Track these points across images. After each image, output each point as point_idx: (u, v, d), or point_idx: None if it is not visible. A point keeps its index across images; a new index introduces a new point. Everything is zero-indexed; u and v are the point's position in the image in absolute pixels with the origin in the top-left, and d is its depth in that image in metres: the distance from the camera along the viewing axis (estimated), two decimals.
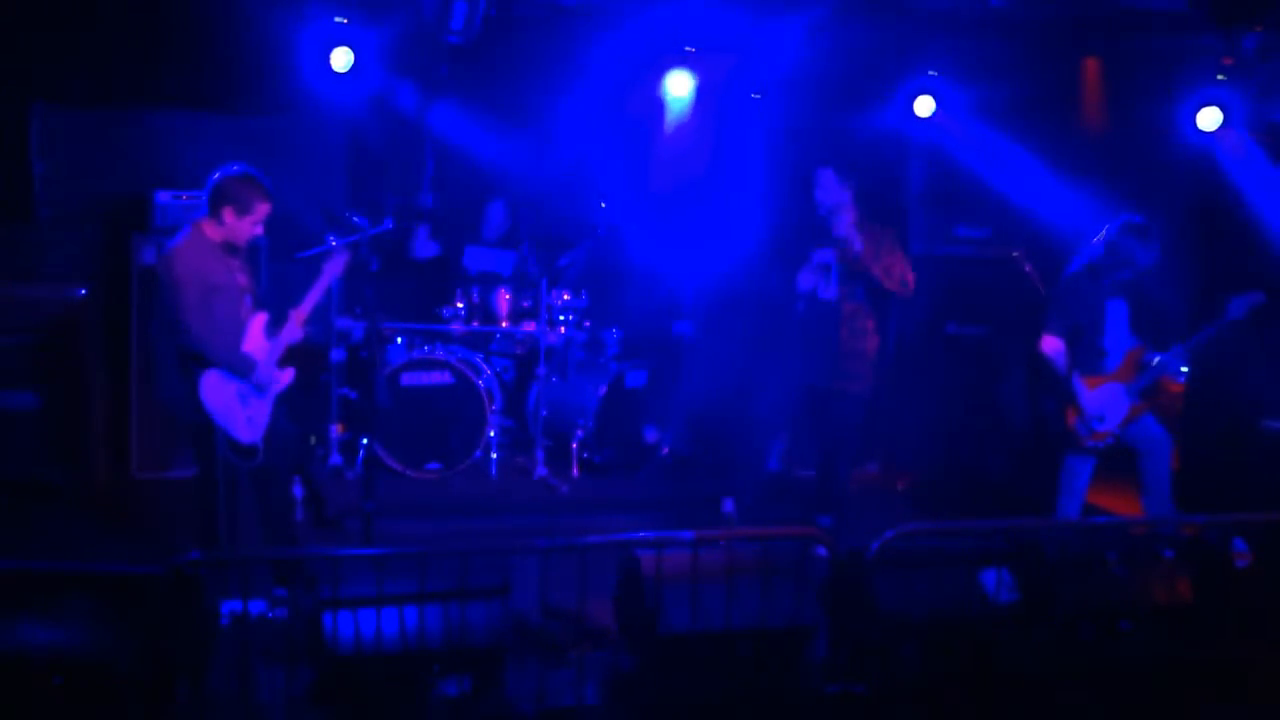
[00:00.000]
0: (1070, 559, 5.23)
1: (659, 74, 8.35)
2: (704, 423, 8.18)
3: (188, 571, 4.28)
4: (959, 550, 5.24)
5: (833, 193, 6.62)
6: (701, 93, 8.42)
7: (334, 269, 5.89)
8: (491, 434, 7.85)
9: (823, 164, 6.66)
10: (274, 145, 7.54)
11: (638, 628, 4.87)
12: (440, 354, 7.85)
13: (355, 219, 6.67)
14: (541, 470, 7.89)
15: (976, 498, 7.74)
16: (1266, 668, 5.10)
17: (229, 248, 5.58)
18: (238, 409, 5.49)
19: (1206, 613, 5.25)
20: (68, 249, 7.29)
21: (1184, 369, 7.56)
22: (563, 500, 7.66)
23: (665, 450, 8.28)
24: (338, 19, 7.29)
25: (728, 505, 7.27)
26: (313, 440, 7.82)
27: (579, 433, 8.05)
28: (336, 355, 7.77)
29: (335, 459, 7.73)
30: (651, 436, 8.26)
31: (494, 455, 7.91)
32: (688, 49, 8.14)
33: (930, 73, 8.34)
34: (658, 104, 8.50)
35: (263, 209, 5.53)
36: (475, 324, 8.12)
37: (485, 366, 8.09)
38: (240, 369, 5.47)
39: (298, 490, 6.89)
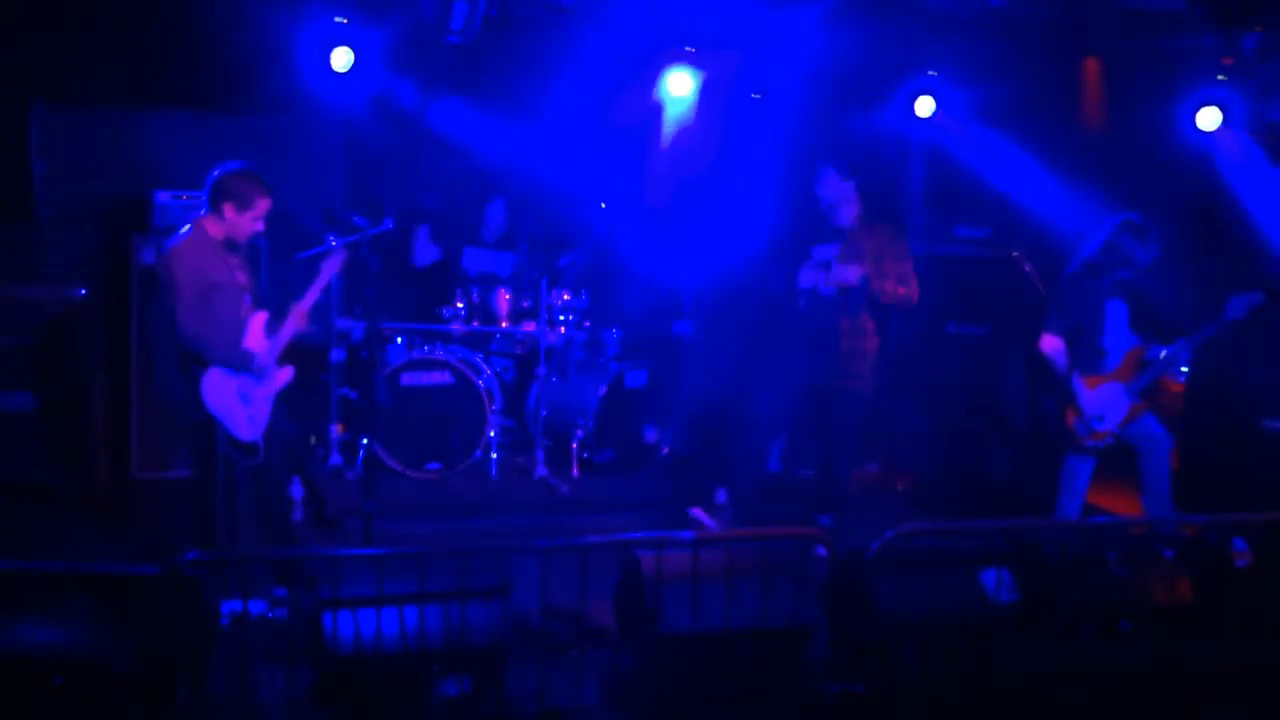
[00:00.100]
0: (1070, 559, 5.23)
1: (659, 74, 8.34)
2: (704, 423, 8.18)
3: (187, 571, 4.28)
4: (959, 550, 5.24)
5: (834, 189, 6.64)
6: (701, 93, 8.41)
7: (332, 267, 5.91)
8: (491, 434, 7.85)
9: (823, 161, 6.67)
10: (274, 145, 7.54)
11: (638, 628, 4.87)
12: (440, 354, 7.85)
13: (355, 219, 6.68)
14: (541, 470, 7.89)
15: (976, 498, 7.74)
16: (1266, 668, 5.09)
17: (229, 245, 5.59)
18: (239, 407, 5.50)
19: (1206, 613, 5.25)
20: (68, 249, 7.28)
21: (1184, 369, 7.56)
22: (563, 500, 7.66)
23: (665, 450, 8.28)
24: (338, 19, 7.29)
25: (720, 496, 7.28)
26: (313, 440, 7.82)
27: (579, 433, 8.05)
28: (336, 355, 7.77)
29: (335, 459, 7.73)
30: (651, 436, 8.26)
31: (494, 455, 7.91)
32: (687, 49, 8.14)
33: (930, 73, 8.34)
34: (658, 104, 8.50)
35: (263, 205, 5.55)
36: (475, 324, 8.12)
37: (485, 366, 8.09)
38: (239, 366, 5.48)
39: (298, 490, 6.90)
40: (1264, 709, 5.00)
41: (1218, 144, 7.89)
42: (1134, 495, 6.65)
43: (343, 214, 7.04)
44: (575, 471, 8.00)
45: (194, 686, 4.30)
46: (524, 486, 7.82)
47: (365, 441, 7.42)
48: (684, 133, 8.53)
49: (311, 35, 7.27)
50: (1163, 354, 6.53)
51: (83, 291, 7.12)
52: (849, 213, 6.65)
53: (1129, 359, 6.53)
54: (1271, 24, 7.40)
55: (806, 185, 6.75)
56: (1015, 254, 8.48)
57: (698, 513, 7.16)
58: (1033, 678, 4.96)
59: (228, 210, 5.49)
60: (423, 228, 8.40)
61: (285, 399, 5.79)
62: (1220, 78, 7.76)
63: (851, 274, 6.51)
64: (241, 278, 5.65)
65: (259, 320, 5.64)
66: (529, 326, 8.18)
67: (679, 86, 8.33)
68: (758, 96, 8.57)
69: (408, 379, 7.73)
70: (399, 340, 7.96)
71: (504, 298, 8.16)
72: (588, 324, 8.30)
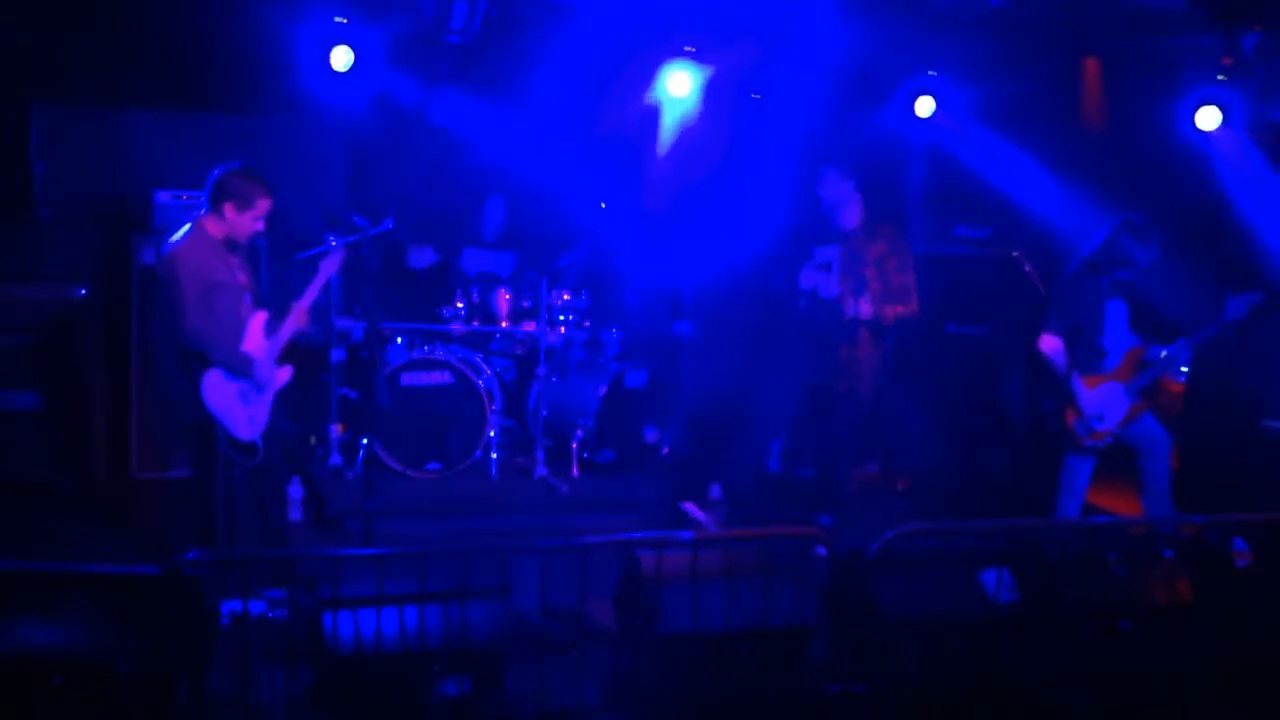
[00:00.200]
0: (1070, 559, 5.23)
1: (659, 74, 8.34)
2: (704, 423, 8.18)
3: (187, 571, 4.28)
4: (959, 550, 5.24)
5: (834, 190, 6.65)
6: (701, 92, 8.41)
7: (331, 267, 5.92)
8: (491, 434, 7.85)
9: (824, 162, 6.69)
10: (273, 145, 7.54)
11: (638, 628, 4.87)
12: (440, 354, 7.86)
13: (355, 219, 6.68)
14: (541, 470, 7.89)
15: (976, 498, 7.73)
16: (1267, 668, 5.09)
17: (230, 245, 5.59)
18: (239, 407, 5.50)
19: (1206, 613, 5.25)
20: (68, 249, 7.28)
21: (1184, 369, 7.56)
22: (563, 500, 7.66)
23: (665, 450, 8.28)
24: (337, 19, 7.29)
25: (715, 491, 7.28)
26: (313, 440, 7.82)
27: (579, 433, 8.05)
28: (336, 355, 7.77)
29: (335, 459, 7.73)
30: (651, 436, 8.26)
31: (494, 455, 7.91)
32: (687, 49, 8.14)
33: (930, 73, 8.34)
34: (657, 103, 8.49)
35: (264, 204, 5.56)
36: (475, 324, 8.13)
37: (485, 366, 8.10)
38: (239, 368, 5.47)
39: (298, 490, 6.89)
40: (1264, 709, 5.00)
41: (1216, 144, 7.90)
42: (1134, 495, 6.65)
43: (342, 214, 7.04)
44: (575, 471, 8.00)
45: (194, 686, 4.30)
46: (524, 486, 7.82)
47: (365, 441, 7.43)
48: (684, 133, 8.53)
49: (311, 35, 7.27)
50: (1162, 354, 6.54)
51: (83, 291, 7.12)
52: (851, 214, 6.66)
53: (1129, 359, 6.53)
54: (1271, 24, 7.40)
55: (806, 186, 6.76)
56: (1015, 254, 8.48)
57: (690, 507, 7.17)
58: (1033, 678, 4.96)
59: (228, 210, 5.49)
60: (417, 229, 8.37)
61: (285, 399, 5.79)
62: (1220, 78, 7.76)
63: (864, 310, 6.53)
64: (242, 277, 5.66)
65: (259, 320, 5.64)
66: (529, 326, 8.18)
67: (678, 86, 8.33)
68: (757, 97, 8.57)
69: (408, 379, 7.74)
70: (399, 340, 7.96)
71: (504, 298, 8.16)
72: (588, 324, 8.30)
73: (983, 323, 8.48)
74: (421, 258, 8.39)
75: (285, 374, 5.72)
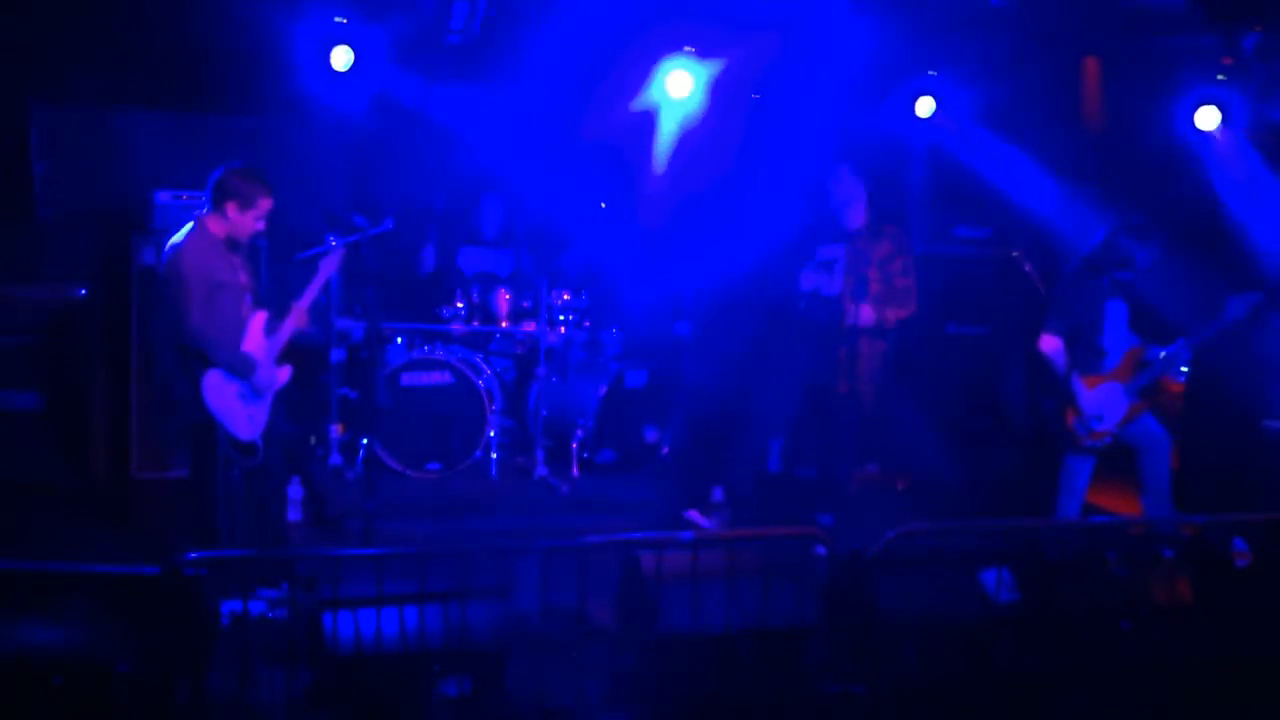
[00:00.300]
0: (1070, 559, 5.23)
1: (659, 73, 8.33)
2: (704, 423, 8.17)
3: (187, 571, 4.28)
4: (959, 550, 5.24)
5: (847, 188, 6.66)
6: (701, 93, 8.40)
7: (330, 267, 5.92)
8: (491, 434, 7.85)
9: (838, 160, 6.69)
10: (274, 145, 7.54)
11: (638, 628, 4.87)
12: (440, 354, 7.86)
13: (355, 219, 6.68)
14: (541, 470, 7.89)
15: (976, 498, 7.73)
16: (1267, 668, 5.09)
17: (231, 244, 5.60)
18: (239, 407, 5.50)
19: (1206, 613, 5.25)
20: (68, 249, 7.29)
21: (1184, 369, 7.56)
22: (563, 500, 7.66)
23: (665, 450, 8.28)
24: (337, 19, 7.29)
25: (717, 494, 7.28)
26: (313, 440, 7.82)
27: (579, 433, 8.05)
28: (336, 355, 7.77)
29: (335, 459, 7.73)
30: (651, 436, 8.27)
31: (494, 455, 7.91)
32: (687, 48, 8.14)
33: (930, 73, 8.34)
34: (657, 102, 8.49)
35: (265, 204, 5.56)
36: (475, 324, 8.13)
37: (485, 366, 8.10)
38: (240, 369, 5.47)
39: (297, 490, 6.89)
40: (1264, 709, 4.99)
41: (1216, 144, 7.90)
42: (1134, 495, 6.65)
43: (342, 214, 7.04)
44: (575, 471, 8.01)
45: (194, 686, 4.30)
46: (524, 486, 7.82)
47: (365, 441, 7.43)
48: (684, 132, 8.52)
49: (311, 35, 7.27)
50: (1161, 354, 6.53)
51: (83, 291, 7.12)
52: (858, 213, 6.66)
53: (1128, 359, 6.53)
54: (1271, 24, 7.40)
55: (808, 185, 6.75)
56: (1015, 254, 8.48)
57: (694, 515, 7.16)
58: (1033, 678, 4.96)
59: (230, 209, 5.50)
60: (431, 236, 8.36)
61: (285, 399, 5.79)
62: (1220, 78, 7.76)
63: (865, 313, 6.54)
64: (243, 277, 5.66)
65: (259, 320, 5.64)
66: (529, 326, 8.18)
67: (679, 86, 8.32)
68: (756, 97, 8.57)
69: (408, 379, 7.74)
70: (399, 340, 7.96)
71: (504, 298, 8.16)
72: (588, 324, 8.30)
73: (983, 323, 8.48)
74: (429, 260, 8.37)
75: (285, 374, 5.72)
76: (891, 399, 7.36)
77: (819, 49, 7.78)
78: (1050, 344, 6.44)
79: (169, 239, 5.58)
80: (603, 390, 8.02)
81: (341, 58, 7.29)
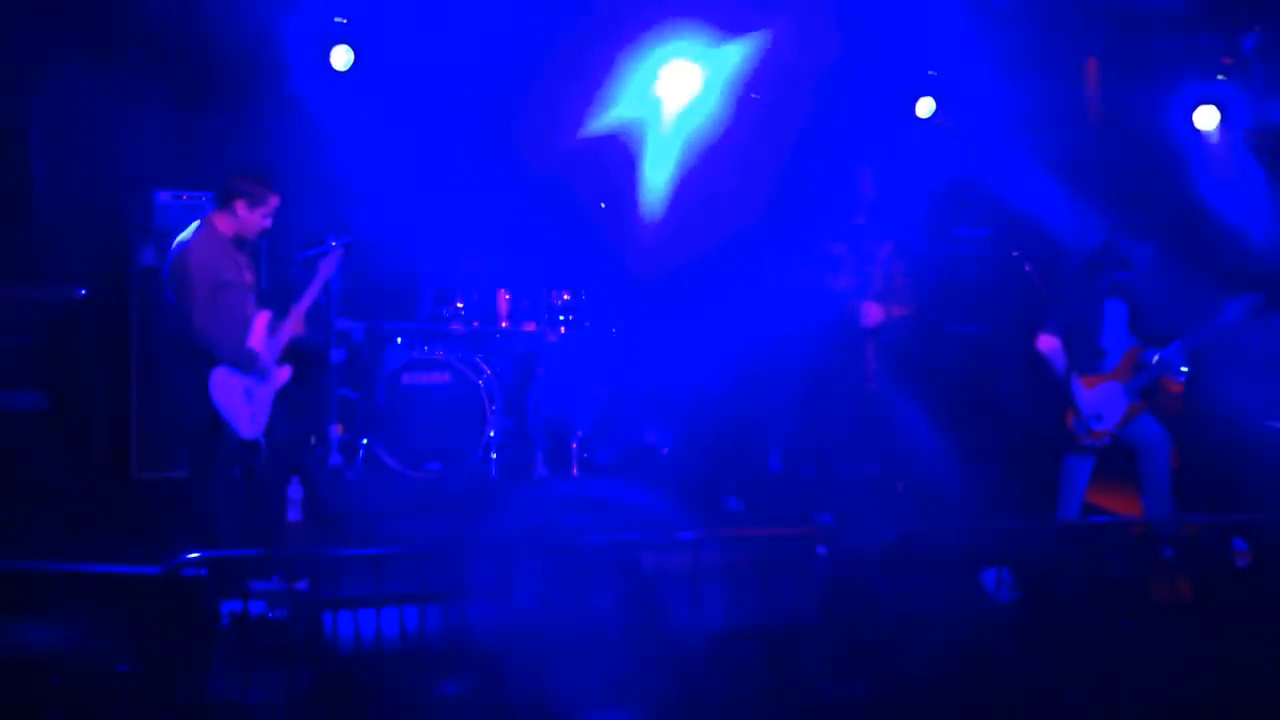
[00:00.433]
0: (1070, 559, 5.23)
1: (659, 72, 8.32)
2: (705, 422, 8.18)
3: (187, 571, 4.28)
4: (959, 550, 5.24)
5: (865, 186, 6.68)
6: (699, 92, 8.39)
7: (330, 267, 5.94)
8: (491, 434, 7.85)
9: (860, 159, 6.72)
10: (274, 145, 7.54)
11: (638, 628, 4.87)
12: (440, 354, 7.85)
13: (354, 220, 6.69)
14: (541, 470, 7.89)
15: (976, 497, 7.73)
16: (1267, 668, 5.09)
17: (238, 243, 5.62)
18: (243, 405, 5.52)
19: (1206, 613, 5.25)
20: (68, 249, 7.29)
21: (1183, 369, 7.56)
22: (563, 500, 7.66)
23: (665, 450, 8.28)
24: (337, 19, 7.29)
25: (732, 504, 7.27)
26: (313, 440, 7.82)
27: (579, 433, 8.05)
28: (336, 355, 7.77)
29: (335, 459, 7.73)
30: (651, 436, 8.26)
31: (494, 455, 7.91)
32: (686, 48, 8.13)
33: (930, 72, 8.34)
34: (657, 101, 8.48)
35: (273, 201, 5.62)
36: (475, 324, 8.13)
37: (485, 366, 8.10)
38: (246, 366, 5.49)
39: (298, 490, 6.90)
40: (1264, 709, 5.00)
41: (1215, 145, 7.90)
42: (1134, 495, 6.65)
43: (341, 215, 7.04)
44: (575, 471, 8.01)
45: (194, 686, 4.30)
46: (524, 486, 7.82)
47: (365, 441, 7.43)
48: (682, 131, 8.51)
49: (312, 35, 7.28)
50: (1158, 356, 6.53)
51: (83, 291, 7.12)
52: (867, 212, 6.67)
53: (1128, 359, 6.53)
54: (1271, 24, 7.40)
55: (808, 185, 6.76)
56: (1015, 254, 8.47)
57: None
58: (1033, 678, 4.96)
59: (240, 207, 5.53)
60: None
61: (285, 399, 5.80)
62: (1220, 77, 7.76)
63: (868, 310, 6.55)
64: (248, 276, 5.69)
65: (263, 319, 5.66)
66: (529, 326, 8.18)
67: (678, 85, 8.30)
68: (756, 97, 8.56)
69: (408, 379, 7.74)
70: (399, 340, 7.96)
71: (504, 298, 8.16)
72: (588, 324, 8.30)
73: (983, 323, 8.47)
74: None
75: (285, 374, 5.74)
76: (891, 399, 7.36)
77: (817, 49, 7.77)
78: (1048, 344, 6.44)
79: (176, 238, 5.59)
80: (603, 390, 8.02)
81: (341, 58, 7.29)
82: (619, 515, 7.16)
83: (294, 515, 6.82)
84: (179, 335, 5.44)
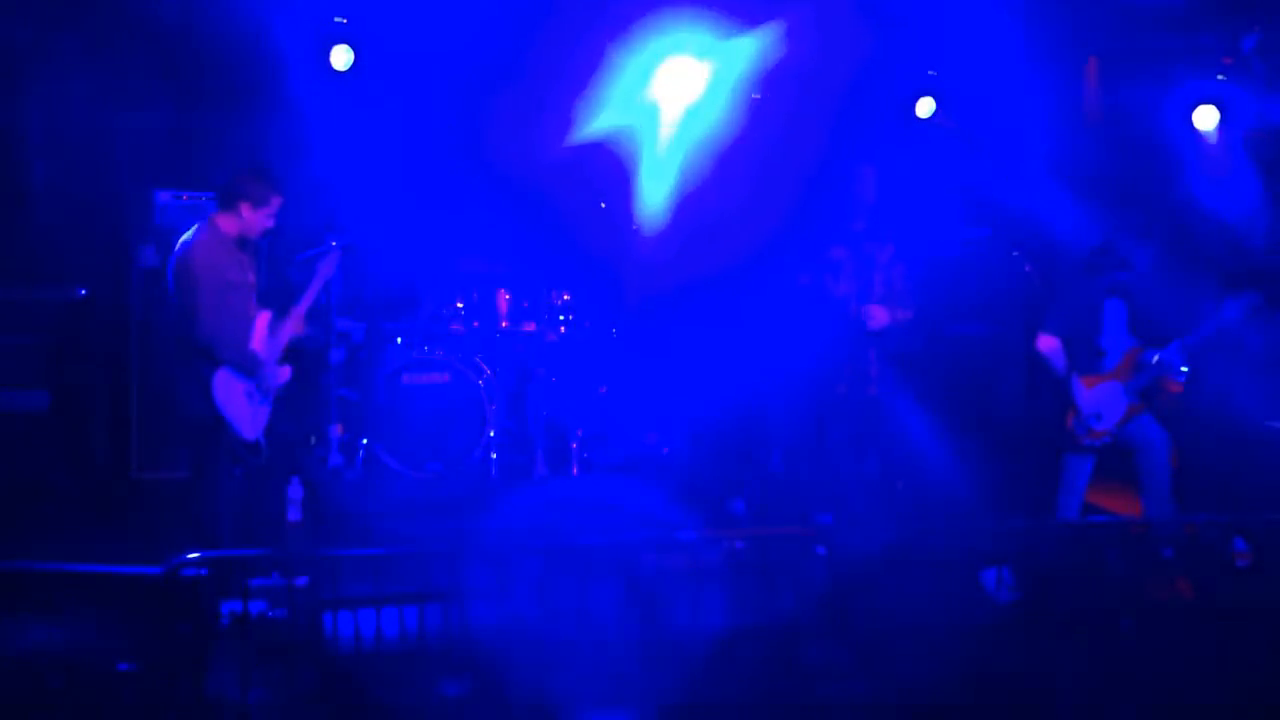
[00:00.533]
0: (1070, 559, 5.23)
1: (658, 71, 8.32)
2: (705, 422, 8.18)
3: (187, 571, 4.28)
4: (959, 550, 5.24)
5: (866, 189, 6.68)
6: (700, 92, 8.39)
7: (328, 268, 5.95)
8: (491, 434, 7.85)
9: (863, 161, 6.71)
10: (274, 145, 7.54)
11: (638, 628, 4.87)
12: (440, 354, 7.86)
13: (354, 220, 6.70)
14: (541, 470, 7.89)
15: (976, 498, 7.73)
16: (1266, 668, 5.10)
17: (241, 243, 5.63)
18: (245, 406, 5.53)
19: (1206, 613, 5.25)
20: (68, 249, 7.29)
21: (1183, 369, 7.56)
22: (563, 500, 7.66)
23: (665, 450, 8.28)
24: (337, 19, 7.29)
25: (737, 505, 7.27)
26: (313, 440, 7.83)
27: (579, 433, 8.06)
28: (336, 355, 7.77)
29: (335, 459, 7.73)
30: (651, 437, 8.27)
31: (494, 455, 7.91)
32: (687, 46, 8.12)
33: (930, 72, 8.33)
34: (657, 101, 8.47)
35: (276, 201, 5.64)
36: (475, 324, 8.13)
37: (485, 366, 8.10)
38: (248, 367, 5.50)
39: (298, 490, 6.90)
40: (1264, 709, 5.00)
41: (1214, 145, 7.90)
42: (1134, 495, 6.65)
43: (341, 215, 7.05)
44: (575, 471, 8.01)
45: (194, 686, 4.30)
46: (524, 486, 7.82)
47: (365, 441, 7.43)
48: (682, 130, 8.51)
49: (311, 35, 7.28)
50: (1158, 356, 6.54)
51: (83, 291, 7.12)
52: (867, 215, 6.67)
53: (1127, 359, 6.53)
54: (1271, 24, 7.40)
55: (809, 183, 6.76)
56: (1015, 254, 8.48)
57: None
58: (1033, 678, 4.96)
59: (244, 208, 5.55)
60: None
61: (285, 399, 5.80)
62: (1220, 77, 7.76)
63: (868, 314, 6.55)
64: (251, 277, 5.70)
65: (264, 320, 5.67)
66: (529, 326, 8.18)
67: (677, 85, 8.29)
68: (757, 97, 8.56)
69: (408, 379, 7.74)
70: (399, 340, 7.96)
71: (504, 298, 8.16)
72: (588, 324, 8.31)
73: (983, 323, 8.48)
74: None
75: (285, 374, 5.75)
76: (892, 399, 7.36)
77: (817, 49, 7.77)
78: (1048, 343, 6.44)
79: (178, 238, 5.59)
80: (603, 390, 8.02)
81: (341, 58, 7.29)
82: (619, 515, 7.17)
83: (294, 515, 6.82)
84: (182, 336, 5.45)
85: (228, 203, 5.56)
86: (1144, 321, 6.60)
